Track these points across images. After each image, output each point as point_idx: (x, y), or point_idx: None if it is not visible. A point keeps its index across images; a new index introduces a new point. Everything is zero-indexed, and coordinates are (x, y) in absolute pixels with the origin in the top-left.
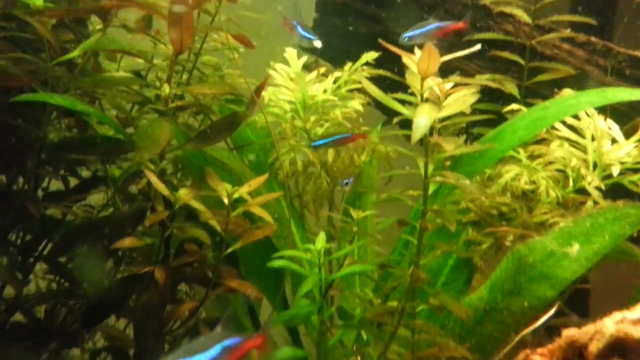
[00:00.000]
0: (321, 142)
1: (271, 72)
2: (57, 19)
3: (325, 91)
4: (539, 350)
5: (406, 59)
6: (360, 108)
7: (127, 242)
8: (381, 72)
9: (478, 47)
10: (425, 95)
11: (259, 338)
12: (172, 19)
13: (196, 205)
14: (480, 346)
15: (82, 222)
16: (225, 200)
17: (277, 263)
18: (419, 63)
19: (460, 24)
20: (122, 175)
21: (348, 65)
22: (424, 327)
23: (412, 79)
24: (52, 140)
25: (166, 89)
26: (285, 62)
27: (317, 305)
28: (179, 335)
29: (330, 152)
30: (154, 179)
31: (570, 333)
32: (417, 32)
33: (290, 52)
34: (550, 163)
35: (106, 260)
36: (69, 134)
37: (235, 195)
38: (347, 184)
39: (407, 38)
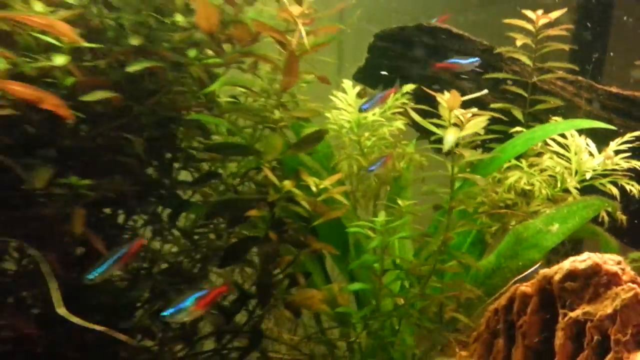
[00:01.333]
0: (374, 167)
1: (333, 98)
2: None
3: (374, 114)
4: (525, 284)
5: (439, 98)
6: (402, 127)
7: (254, 212)
8: (417, 105)
9: (486, 91)
10: (452, 121)
11: (222, 287)
12: (287, 71)
13: (295, 191)
14: (488, 293)
15: (218, 200)
16: (314, 189)
17: (353, 229)
18: (448, 101)
19: (392, 90)
20: (240, 169)
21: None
22: (451, 279)
23: (443, 111)
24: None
25: (277, 113)
26: (343, 91)
27: (379, 257)
28: (280, 279)
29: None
30: (269, 173)
31: (544, 271)
32: (368, 104)
33: (347, 83)
34: (544, 170)
35: (236, 225)
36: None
37: (321, 186)
38: (372, 170)
39: (364, 109)
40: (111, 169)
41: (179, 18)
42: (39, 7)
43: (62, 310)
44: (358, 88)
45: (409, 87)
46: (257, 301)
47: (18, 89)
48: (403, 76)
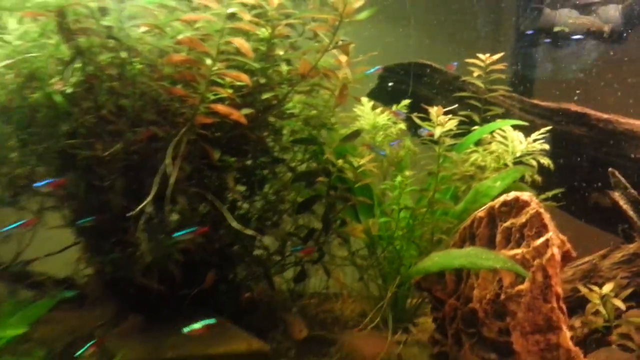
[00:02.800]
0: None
1: (355, 109)
2: None
3: (385, 119)
4: (479, 210)
5: (430, 110)
6: (404, 127)
7: (321, 178)
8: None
9: (456, 105)
10: (437, 122)
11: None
12: (340, 95)
13: (345, 166)
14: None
15: (301, 172)
16: (355, 165)
17: (383, 186)
18: (437, 111)
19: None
20: (307, 154)
21: (394, 106)
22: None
23: (432, 116)
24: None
25: (333, 120)
26: (362, 104)
27: (396, 202)
28: (334, 220)
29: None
30: (329, 155)
31: (490, 203)
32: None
33: (364, 99)
34: (492, 152)
35: (308, 187)
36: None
37: (361, 163)
38: (393, 145)
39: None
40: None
41: (283, 68)
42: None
43: (234, 224)
44: (371, 103)
45: (405, 103)
46: (322, 232)
47: (220, 107)
48: (401, 95)
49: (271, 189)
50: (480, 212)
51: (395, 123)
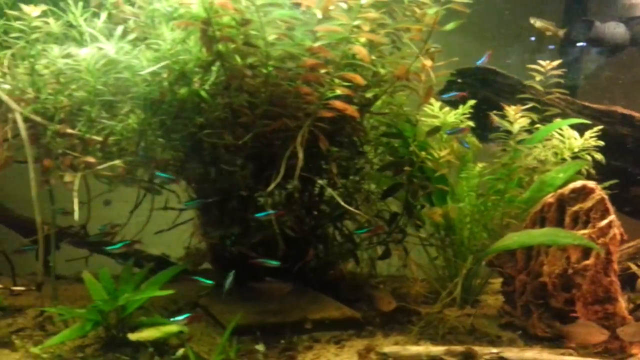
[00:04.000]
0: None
1: (425, 108)
2: None
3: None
4: (549, 196)
5: (508, 108)
6: (472, 124)
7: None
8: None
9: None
10: (514, 120)
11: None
12: (425, 95)
13: (427, 157)
14: (527, 211)
15: (388, 162)
16: (436, 156)
17: (464, 175)
18: (515, 110)
19: None
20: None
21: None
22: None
23: (509, 114)
24: None
25: (417, 117)
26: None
27: (475, 189)
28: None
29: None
30: (414, 147)
31: (560, 190)
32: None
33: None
34: (552, 147)
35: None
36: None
37: (442, 154)
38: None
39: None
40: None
41: (382, 70)
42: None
43: (342, 203)
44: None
45: (471, 103)
46: (404, 215)
47: (338, 103)
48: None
49: (356, 176)
50: (550, 198)
51: (462, 121)
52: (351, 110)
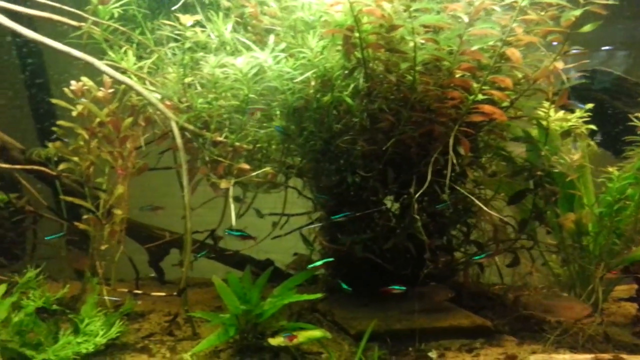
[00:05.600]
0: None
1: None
2: None
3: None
4: None
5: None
6: (594, 127)
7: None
8: None
9: None
10: None
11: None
12: (560, 98)
13: (557, 162)
14: None
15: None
16: (568, 160)
17: (602, 179)
18: None
19: None
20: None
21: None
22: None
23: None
24: None
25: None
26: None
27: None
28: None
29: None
30: (545, 152)
31: None
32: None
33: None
34: None
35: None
36: None
37: (575, 158)
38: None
39: None
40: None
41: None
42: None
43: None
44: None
45: (589, 106)
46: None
47: (487, 107)
48: (582, 99)
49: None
50: None
51: (582, 124)
52: (499, 113)
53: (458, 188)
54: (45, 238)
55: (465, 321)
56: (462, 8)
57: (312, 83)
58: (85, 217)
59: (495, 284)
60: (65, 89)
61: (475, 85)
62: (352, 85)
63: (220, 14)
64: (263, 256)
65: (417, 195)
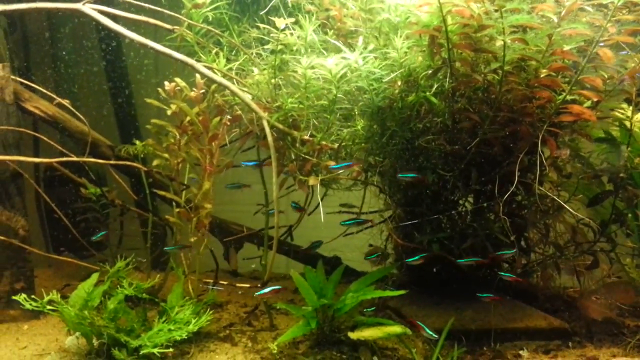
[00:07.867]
0: None
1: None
2: None
3: None
4: None
5: None
6: None
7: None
8: None
9: None
10: None
11: None
12: None
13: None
14: None
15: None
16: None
17: None
18: None
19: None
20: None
21: None
22: None
23: None
24: None
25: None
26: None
27: None
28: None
29: None
30: (627, 153)
31: None
32: None
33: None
34: None
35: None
36: None
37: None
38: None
39: None
40: None
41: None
42: None
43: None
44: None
45: None
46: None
47: (576, 107)
48: None
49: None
50: None
51: None
52: (589, 114)
53: (541, 189)
54: (165, 249)
55: (542, 322)
56: (552, 8)
57: (398, 83)
58: (177, 210)
59: (569, 287)
60: (160, 89)
61: (565, 85)
62: (436, 85)
63: (307, 16)
64: (330, 253)
65: (505, 196)
